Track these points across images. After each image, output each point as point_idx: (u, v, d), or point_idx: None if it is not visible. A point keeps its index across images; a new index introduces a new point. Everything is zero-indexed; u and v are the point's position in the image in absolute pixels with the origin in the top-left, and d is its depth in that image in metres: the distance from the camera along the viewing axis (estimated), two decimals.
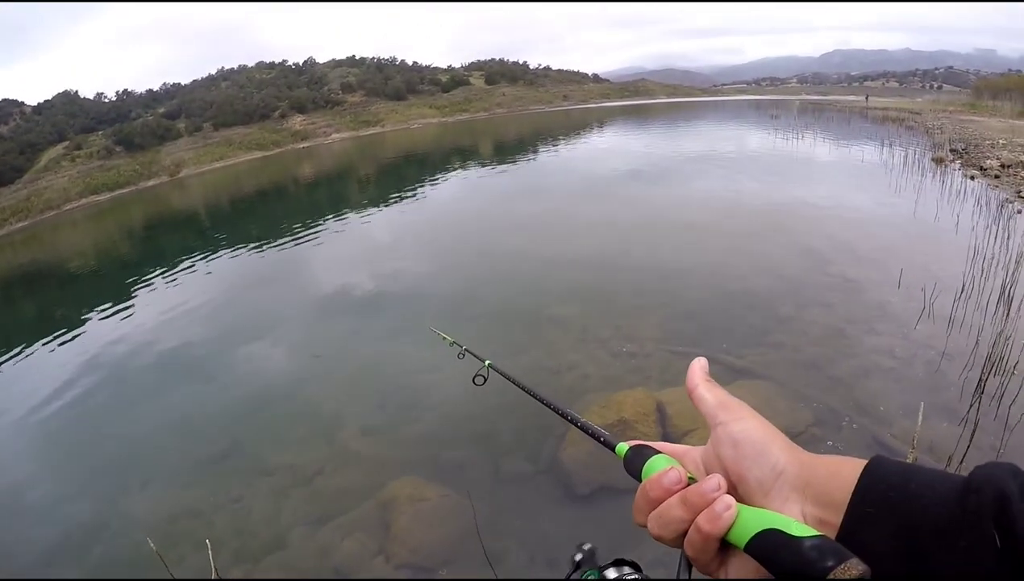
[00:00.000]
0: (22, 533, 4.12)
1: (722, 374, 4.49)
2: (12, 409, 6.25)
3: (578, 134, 32.77)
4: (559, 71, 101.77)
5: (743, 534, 0.37)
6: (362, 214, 14.81)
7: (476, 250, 9.64)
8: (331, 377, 5.78)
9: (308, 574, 3.31)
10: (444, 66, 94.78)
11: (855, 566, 0.32)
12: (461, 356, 1.47)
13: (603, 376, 4.81)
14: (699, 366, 0.49)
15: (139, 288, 10.90)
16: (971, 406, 3.62)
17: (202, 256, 12.76)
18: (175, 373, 6.50)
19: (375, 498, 3.74)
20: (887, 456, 0.38)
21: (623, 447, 0.50)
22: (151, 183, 47.33)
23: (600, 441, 0.55)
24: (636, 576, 0.66)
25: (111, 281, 13.24)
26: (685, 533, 0.40)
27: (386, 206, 15.63)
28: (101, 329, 8.70)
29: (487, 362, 1.20)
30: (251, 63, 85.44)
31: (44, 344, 8.47)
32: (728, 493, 0.39)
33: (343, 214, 15.32)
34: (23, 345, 8.58)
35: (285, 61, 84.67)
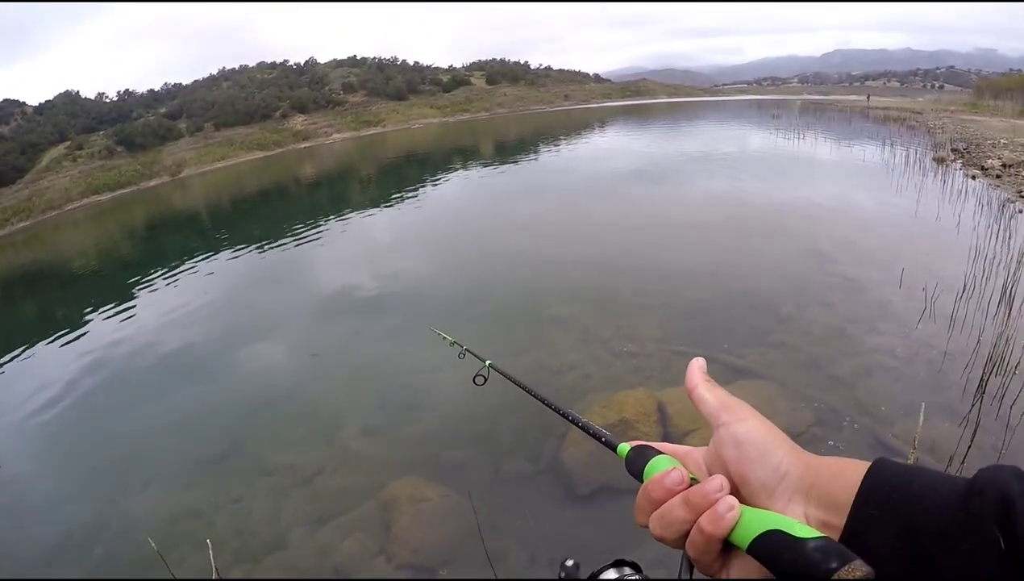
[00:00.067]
0: (23, 533, 4.12)
1: (723, 374, 4.49)
2: (14, 409, 6.26)
3: (579, 134, 32.77)
4: (560, 71, 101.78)
5: (746, 535, 0.37)
6: (363, 214, 14.81)
7: (477, 250, 9.64)
8: (331, 377, 5.78)
9: (309, 574, 3.31)
10: (445, 66, 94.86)
11: (859, 568, 0.32)
12: (462, 356, 1.47)
13: (604, 376, 4.81)
14: (698, 366, 0.48)
15: (140, 288, 10.91)
16: (972, 406, 3.62)
17: (203, 256, 12.77)
18: (176, 373, 6.51)
19: (376, 498, 3.74)
20: (890, 458, 0.38)
21: (625, 447, 0.50)
22: (152, 183, 47.35)
23: (602, 442, 0.55)
24: (637, 577, 0.65)
25: (112, 281, 13.24)
26: (687, 534, 0.40)
27: (387, 206, 15.64)
28: (102, 329, 8.71)
29: (488, 362, 1.19)
30: (252, 63, 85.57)
31: (46, 345, 8.47)
32: (730, 494, 0.39)
33: (344, 214, 15.33)
34: (25, 345, 8.59)
35: (286, 61, 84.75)
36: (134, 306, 9.77)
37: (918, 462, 3.06)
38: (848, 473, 0.38)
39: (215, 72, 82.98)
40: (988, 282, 5.31)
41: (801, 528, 0.35)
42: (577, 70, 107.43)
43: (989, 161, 11.73)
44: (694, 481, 0.42)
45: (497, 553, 3.10)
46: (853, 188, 11.04)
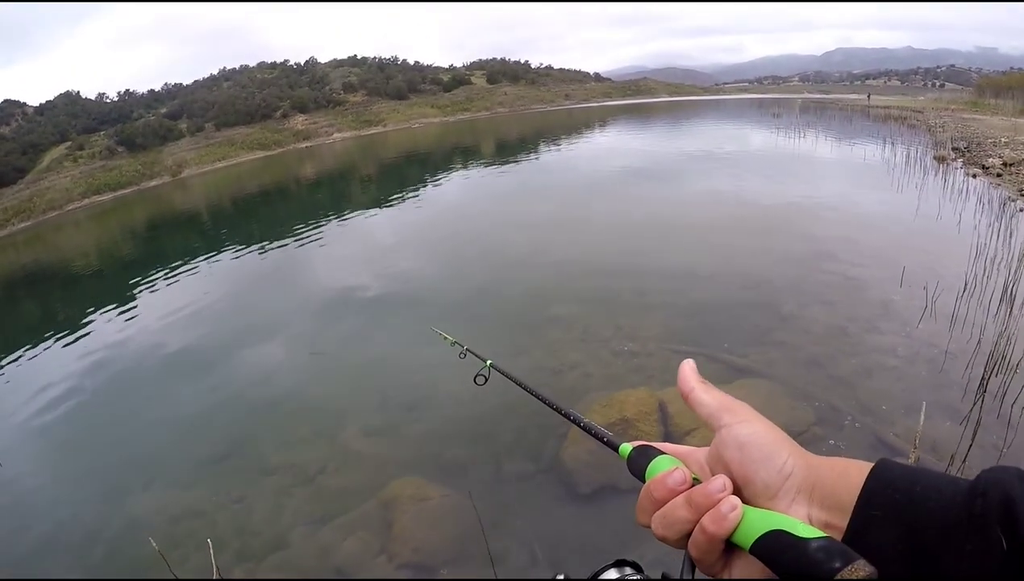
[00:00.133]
0: (24, 533, 4.12)
1: (724, 373, 4.50)
2: (15, 409, 6.26)
3: (580, 133, 32.77)
4: (561, 70, 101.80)
5: (748, 535, 0.37)
6: (364, 214, 14.81)
7: (478, 250, 9.63)
8: (333, 377, 5.78)
9: (310, 574, 3.31)
10: (446, 65, 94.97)
11: (862, 568, 0.32)
12: (463, 356, 1.46)
13: (605, 375, 4.81)
14: (690, 368, 0.48)
15: (142, 288, 10.92)
16: (974, 405, 3.61)
17: (205, 256, 12.77)
18: (177, 373, 6.51)
19: (377, 497, 3.75)
20: (892, 458, 0.38)
21: (627, 447, 0.50)
22: (153, 183, 47.38)
23: (603, 441, 0.55)
24: (638, 577, 0.65)
25: (114, 281, 13.25)
26: (689, 534, 0.40)
27: (388, 206, 15.64)
28: (104, 329, 8.72)
29: (488, 362, 1.19)
30: (253, 63, 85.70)
31: (47, 345, 8.48)
32: (733, 494, 0.39)
33: (345, 214, 15.33)
34: (26, 346, 8.60)
35: (287, 61, 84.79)
36: (135, 306, 9.77)
37: (919, 461, 3.06)
38: (851, 474, 0.38)
39: (215, 72, 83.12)
40: (989, 281, 5.31)
41: (804, 528, 0.35)
42: (578, 69, 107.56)
43: (990, 160, 11.71)
44: (696, 481, 0.42)
45: (498, 552, 3.10)
46: (854, 187, 11.03)
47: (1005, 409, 3.59)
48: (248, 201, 24.98)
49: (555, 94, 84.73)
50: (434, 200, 16.01)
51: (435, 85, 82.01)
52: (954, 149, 13.98)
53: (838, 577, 0.32)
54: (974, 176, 10.75)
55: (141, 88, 76.54)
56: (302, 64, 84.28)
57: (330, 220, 14.61)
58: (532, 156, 24.41)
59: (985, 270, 5.49)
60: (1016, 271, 5.12)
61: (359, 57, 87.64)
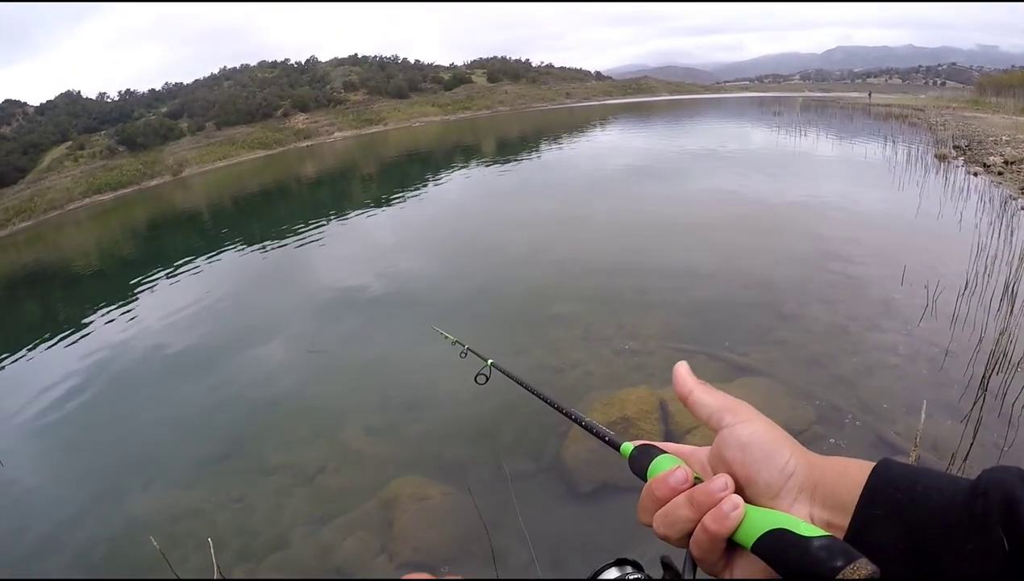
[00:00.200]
0: (24, 532, 4.13)
1: (725, 371, 4.49)
2: (16, 409, 6.27)
3: (581, 131, 32.75)
4: (561, 69, 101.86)
5: (750, 534, 0.37)
6: (365, 213, 14.82)
7: (478, 249, 9.64)
8: (333, 376, 5.79)
9: (310, 573, 3.31)
10: (446, 64, 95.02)
11: (864, 566, 0.32)
12: (463, 355, 1.46)
13: (606, 374, 4.81)
14: (685, 370, 0.48)
15: (143, 288, 10.93)
16: (974, 404, 3.61)
17: (206, 256, 12.77)
18: (178, 372, 6.52)
19: (377, 497, 3.75)
20: (893, 458, 0.38)
21: (628, 447, 0.50)
22: (154, 183, 47.44)
23: (605, 441, 0.55)
24: (638, 576, 0.65)
25: (115, 281, 13.26)
26: (691, 533, 0.40)
27: (389, 205, 15.64)
28: (105, 329, 8.73)
29: (489, 361, 1.19)
30: (253, 62, 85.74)
31: (48, 345, 8.49)
32: (735, 494, 0.39)
33: (346, 213, 15.34)
34: (27, 346, 8.61)
35: (287, 60, 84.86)
36: (136, 306, 9.78)
37: (920, 460, 3.06)
38: (852, 473, 0.38)
39: (216, 71, 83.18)
40: (990, 279, 5.31)
41: (806, 527, 0.35)
42: (578, 68, 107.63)
43: (991, 158, 11.70)
44: (698, 480, 0.42)
45: (499, 551, 3.10)
46: (855, 185, 11.02)
47: (1006, 408, 3.58)
48: (249, 200, 24.99)
49: (556, 93, 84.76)
50: (435, 199, 16.01)
51: (436, 84, 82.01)
52: (955, 147, 13.97)
53: (840, 576, 0.32)
54: (975, 174, 10.75)
55: (142, 88, 76.53)
56: (303, 63, 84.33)
57: (331, 219, 14.62)
58: (533, 154, 24.41)
59: (986, 268, 5.48)
60: (1017, 270, 5.12)
61: (360, 56, 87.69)
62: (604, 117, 43.58)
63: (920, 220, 8.19)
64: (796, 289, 6.07)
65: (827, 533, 0.34)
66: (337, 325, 7.09)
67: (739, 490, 0.40)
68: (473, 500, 3.31)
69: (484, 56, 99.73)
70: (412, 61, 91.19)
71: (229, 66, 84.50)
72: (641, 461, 0.48)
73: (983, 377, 3.79)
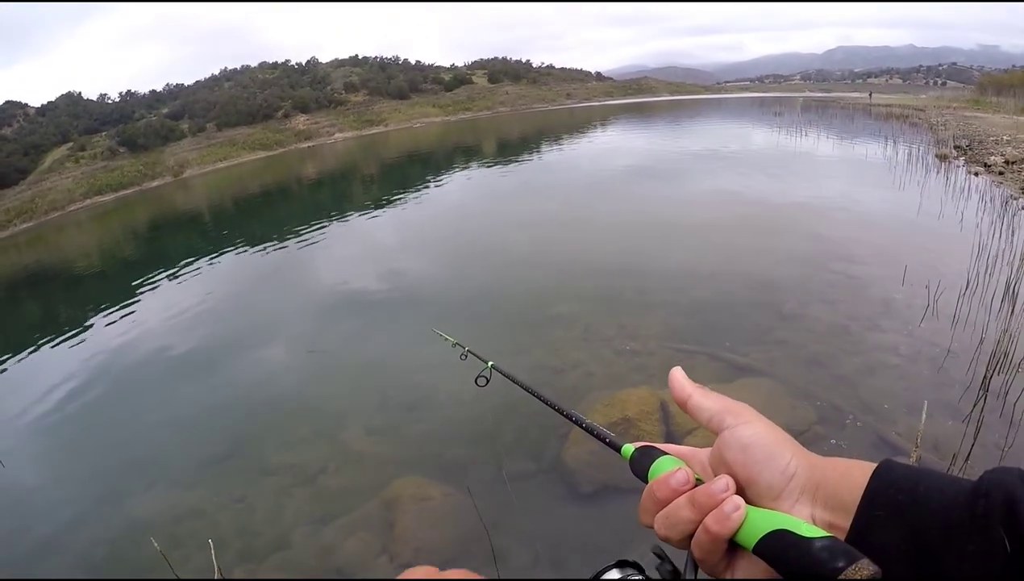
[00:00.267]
0: (25, 533, 4.13)
1: (725, 371, 4.49)
2: (17, 410, 6.27)
3: (582, 132, 32.76)
4: (562, 69, 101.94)
5: (752, 535, 0.37)
6: (365, 214, 14.82)
7: (479, 250, 9.64)
8: (334, 377, 5.79)
9: (311, 574, 3.31)
10: (447, 65, 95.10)
11: (866, 567, 0.32)
12: (464, 357, 1.46)
13: (606, 374, 4.80)
14: (682, 375, 0.48)
15: (144, 289, 10.93)
16: (975, 404, 3.60)
17: (206, 257, 12.78)
18: (179, 373, 6.52)
19: (378, 497, 3.74)
20: (895, 459, 0.38)
21: (629, 448, 0.50)
22: (155, 184, 47.48)
23: (606, 442, 0.55)
24: (639, 577, 0.65)
25: (116, 282, 13.27)
26: (692, 534, 0.40)
27: (389, 206, 15.65)
28: (106, 330, 8.73)
29: (490, 363, 1.19)
30: (254, 63, 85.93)
31: (50, 346, 8.49)
32: (736, 495, 0.39)
33: (347, 214, 15.34)
34: (28, 347, 8.61)
35: (288, 61, 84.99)
36: (137, 307, 9.78)
37: (921, 460, 3.06)
38: (854, 474, 0.38)
39: (217, 72, 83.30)
40: (991, 279, 5.30)
41: (808, 528, 0.35)
42: (579, 68, 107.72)
43: (992, 158, 11.69)
44: (699, 481, 0.42)
45: (499, 552, 3.10)
46: (855, 185, 11.01)
47: (1007, 408, 3.58)
48: (250, 201, 25.00)
49: (556, 93, 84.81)
50: (436, 200, 16.01)
51: (436, 84, 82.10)
52: (956, 147, 13.96)
53: (842, 577, 0.32)
54: (976, 174, 10.74)
55: (142, 88, 76.90)
56: (303, 64, 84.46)
57: (332, 220, 14.62)
58: (534, 155, 24.41)
59: (987, 269, 5.47)
60: (1018, 270, 5.11)
61: (360, 57, 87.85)
62: (605, 118, 43.59)
63: (921, 220, 8.18)
64: (797, 289, 6.07)
65: (829, 534, 0.34)
66: (338, 326, 7.09)
67: (740, 491, 0.40)
68: (473, 501, 3.31)
69: (484, 56, 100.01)
70: (413, 62, 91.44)
71: (230, 67, 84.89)
72: (642, 463, 0.48)
73: (984, 377, 3.79)
